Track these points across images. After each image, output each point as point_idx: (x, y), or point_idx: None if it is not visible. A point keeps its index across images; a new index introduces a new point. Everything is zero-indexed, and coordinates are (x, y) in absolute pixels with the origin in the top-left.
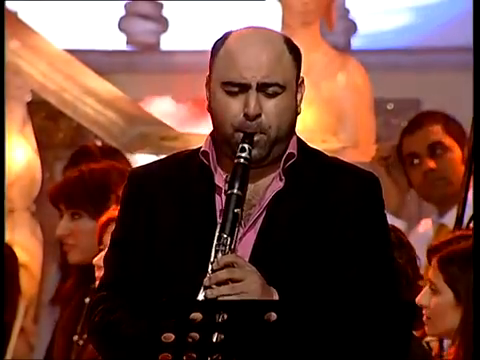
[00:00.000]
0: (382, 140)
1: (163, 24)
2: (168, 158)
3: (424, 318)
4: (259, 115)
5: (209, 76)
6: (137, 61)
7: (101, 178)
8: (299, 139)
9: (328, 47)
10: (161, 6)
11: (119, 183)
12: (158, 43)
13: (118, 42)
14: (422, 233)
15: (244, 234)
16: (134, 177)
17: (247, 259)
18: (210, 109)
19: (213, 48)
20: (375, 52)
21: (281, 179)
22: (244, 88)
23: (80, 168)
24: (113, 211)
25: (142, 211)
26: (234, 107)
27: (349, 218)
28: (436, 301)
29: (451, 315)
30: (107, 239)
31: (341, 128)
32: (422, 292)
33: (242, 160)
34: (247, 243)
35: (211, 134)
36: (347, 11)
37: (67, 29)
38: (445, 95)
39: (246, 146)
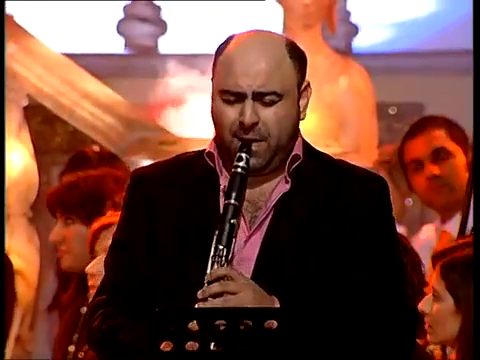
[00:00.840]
0: (384, 145)
1: (161, 27)
2: (171, 159)
3: (426, 326)
4: (256, 123)
5: (212, 80)
6: (135, 64)
7: (95, 184)
8: (304, 141)
9: (330, 50)
10: (159, 9)
11: (115, 190)
12: (156, 46)
13: (116, 45)
14: (424, 239)
15: (250, 236)
16: (136, 178)
17: (253, 261)
18: (212, 114)
19: (216, 52)
20: (377, 55)
21: (287, 181)
22: (240, 97)
23: (77, 174)
24: (105, 218)
25: (144, 213)
26: (231, 115)
27: (357, 221)
28: (437, 308)
29: (451, 322)
30: (99, 247)
31: (343, 133)
32: (424, 299)
33: (239, 169)
34: (254, 245)
35: (214, 139)
36: (348, 14)
37: (64, 32)
38: (449, 99)
39: (243, 155)
